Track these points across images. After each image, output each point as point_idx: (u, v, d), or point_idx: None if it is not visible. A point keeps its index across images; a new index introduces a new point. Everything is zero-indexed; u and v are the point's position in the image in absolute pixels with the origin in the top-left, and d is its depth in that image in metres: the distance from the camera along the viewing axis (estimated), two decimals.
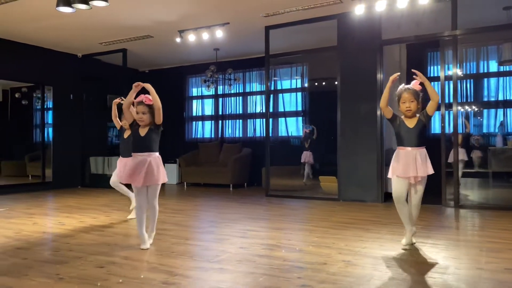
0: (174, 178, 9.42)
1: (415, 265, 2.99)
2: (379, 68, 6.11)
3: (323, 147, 7.73)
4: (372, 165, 6.11)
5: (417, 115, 3.40)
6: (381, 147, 6.11)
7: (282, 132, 8.74)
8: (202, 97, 9.85)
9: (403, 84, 3.47)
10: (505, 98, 6.81)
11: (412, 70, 3.43)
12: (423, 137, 3.38)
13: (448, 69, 5.87)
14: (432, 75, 7.46)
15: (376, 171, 6.09)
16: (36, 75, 8.18)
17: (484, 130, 6.99)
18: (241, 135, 9.34)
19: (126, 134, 4.80)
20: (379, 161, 6.08)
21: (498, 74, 6.81)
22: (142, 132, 3.44)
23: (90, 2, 5.03)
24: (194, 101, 9.99)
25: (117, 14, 6.34)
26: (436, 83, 7.26)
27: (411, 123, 3.37)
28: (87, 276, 2.75)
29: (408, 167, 3.31)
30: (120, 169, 4.83)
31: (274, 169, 7.18)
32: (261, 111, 9.00)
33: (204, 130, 9.81)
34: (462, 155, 6.22)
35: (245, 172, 8.60)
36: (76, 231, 4.26)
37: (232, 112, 9.46)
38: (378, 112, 6.09)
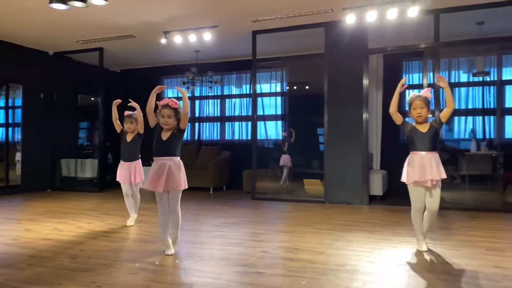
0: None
1: (442, 265, 3.18)
2: (365, 75, 6.37)
3: (305, 150, 7.92)
4: (357, 168, 6.35)
5: (429, 121, 3.58)
6: (367, 151, 6.36)
7: (261, 135, 8.82)
8: (178, 98, 9.66)
9: (414, 92, 3.66)
10: (474, 107, 7.31)
11: (437, 75, 3.58)
12: (436, 142, 3.53)
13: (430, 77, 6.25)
14: (408, 83, 7.84)
15: (361, 174, 6.33)
16: (2, 72, 7.72)
17: (455, 136, 7.47)
18: (219, 138, 9.34)
19: (129, 137, 4.69)
20: (364, 165, 6.33)
21: (468, 84, 7.30)
22: (164, 136, 3.40)
23: (87, 0, 4.91)
24: None
25: (100, 13, 6.15)
26: (417, 90, 7.70)
27: (423, 128, 3.50)
28: (126, 284, 2.69)
29: (424, 171, 3.43)
30: (121, 173, 4.71)
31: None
32: (240, 114, 9.06)
33: None
34: None
35: (225, 175, 8.59)
36: (81, 237, 4.11)
37: (210, 115, 9.43)
38: (364, 117, 6.35)
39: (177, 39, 7.01)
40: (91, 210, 5.82)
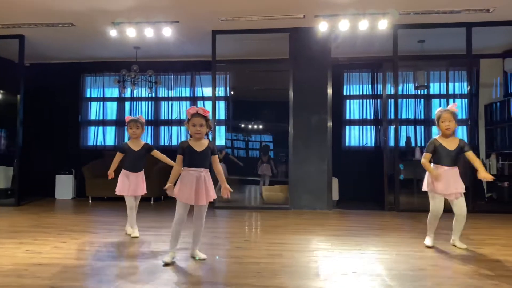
0: (69, 192, 8.11)
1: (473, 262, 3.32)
2: (329, 83, 6.50)
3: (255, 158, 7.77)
4: (322, 174, 6.43)
5: (459, 139, 3.74)
6: (331, 157, 6.48)
7: None
8: (104, 99, 8.75)
9: (441, 107, 3.88)
10: (416, 117, 7.98)
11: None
12: (459, 159, 3.75)
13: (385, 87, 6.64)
14: (348, 93, 8.25)
15: (326, 179, 6.42)
16: None
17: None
18: (152, 143, 8.63)
19: (136, 146, 4.27)
20: (329, 170, 6.44)
21: (415, 96, 7.94)
22: (198, 146, 3.19)
23: None
24: (94, 104, 8.80)
25: None
26: (358, 101, 8.13)
27: (451, 145, 3.70)
28: None
29: (448, 185, 3.65)
30: (125, 185, 4.22)
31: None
32: (177, 118, 8.53)
33: (106, 136, 8.72)
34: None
35: (164, 185, 7.94)
36: (105, 254, 3.36)
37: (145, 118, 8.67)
38: (329, 124, 6.47)
39: (130, 32, 6.31)
40: (35, 226, 4.84)
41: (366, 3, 5.63)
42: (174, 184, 3.18)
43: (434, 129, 7.94)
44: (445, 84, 7.89)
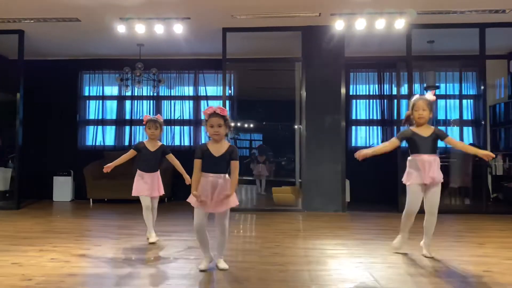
0: (67, 194, 7.81)
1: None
2: (343, 82, 6.40)
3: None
4: (336, 175, 6.32)
5: (433, 127, 3.52)
6: (345, 158, 6.38)
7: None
8: (103, 97, 8.45)
9: (418, 94, 3.70)
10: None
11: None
12: (436, 147, 3.51)
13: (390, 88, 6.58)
14: (354, 93, 8.18)
15: (340, 181, 6.32)
16: None
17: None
18: None
19: (152, 147, 4.08)
20: (343, 171, 6.34)
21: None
22: (217, 151, 2.96)
23: None
24: (92, 102, 8.49)
25: None
26: (364, 101, 8.06)
27: (425, 132, 3.46)
28: None
29: (424, 173, 3.39)
30: (141, 186, 4.04)
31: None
32: (180, 117, 8.31)
33: (105, 136, 8.42)
34: None
35: (168, 186, 7.73)
36: (136, 261, 3.15)
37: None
38: (343, 124, 6.37)
39: (139, 28, 6.08)
40: (46, 232, 4.58)
41: (384, 2, 5.55)
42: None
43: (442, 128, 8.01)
44: (451, 84, 7.91)
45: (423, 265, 3.27)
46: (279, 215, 6.00)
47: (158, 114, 4.07)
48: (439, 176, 3.44)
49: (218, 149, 2.95)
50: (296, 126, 8.06)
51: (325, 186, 6.33)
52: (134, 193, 4.07)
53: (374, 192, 7.29)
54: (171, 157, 4.09)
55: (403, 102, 6.55)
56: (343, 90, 6.41)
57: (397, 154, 6.52)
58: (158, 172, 4.16)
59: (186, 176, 3.96)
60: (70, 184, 7.84)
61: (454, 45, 7.01)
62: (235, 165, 2.98)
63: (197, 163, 2.96)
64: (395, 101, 6.90)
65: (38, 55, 8.07)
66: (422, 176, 3.40)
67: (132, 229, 4.76)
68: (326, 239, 4.32)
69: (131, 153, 4.11)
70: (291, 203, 6.68)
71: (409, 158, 3.55)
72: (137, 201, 4.15)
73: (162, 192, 4.16)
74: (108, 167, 4.02)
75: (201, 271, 3.00)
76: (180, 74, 8.33)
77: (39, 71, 8.07)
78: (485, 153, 3.37)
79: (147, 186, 4.03)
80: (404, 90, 7.93)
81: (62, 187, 7.82)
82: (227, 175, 3.00)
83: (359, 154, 3.43)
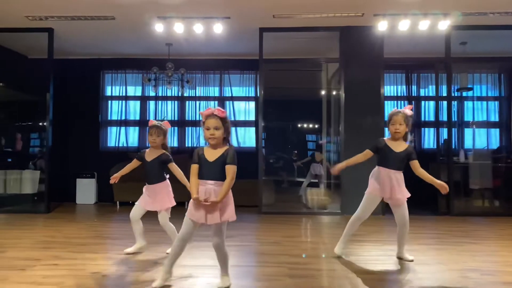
0: (91, 197, 7.61)
1: None
2: (382, 83, 6.34)
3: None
4: None
5: (408, 143, 3.48)
6: None
7: (233, 143, 8.03)
8: (126, 97, 8.26)
9: (396, 108, 3.62)
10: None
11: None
12: (404, 164, 3.45)
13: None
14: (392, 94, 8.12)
15: None
16: None
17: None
18: (176, 145, 8.22)
19: (151, 156, 3.67)
20: None
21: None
22: (211, 155, 2.67)
23: None
24: (115, 102, 8.30)
25: None
26: (392, 102, 8.00)
27: (398, 147, 3.43)
28: None
29: (392, 189, 3.40)
30: (143, 194, 3.76)
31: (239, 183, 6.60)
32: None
33: (128, 137, 8.23)
34: None
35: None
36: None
37: (168, 118, 8.25)
38: (382, 125, 6.31)
39: (178, 27, 5.93)
40: (97, 238, 4.42)
41: (429, 3, 5.49)
42: None
43: (468, 131, 7.99)
44: (478, 86, 7.90)
45: None
46: (317, 218, 5.91)
47: (166, 121, 3.76)
48: (404, 197, 3.42)
49: (213, 154, 2.67)
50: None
51: (364, 188, 6.23)
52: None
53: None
54: (173, 167, 3.63)
55: (443, 103, 6.49)
56: (382, 91, 6.34)
57: (436, 155, 6.50)
58: (163, 184, 3.69)
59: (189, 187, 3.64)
60: (94, 186, 7.65)
61: (484, 47, 6.99)
62: (229, 169, 2.63)
63: (193, 168, 2.68)
64: (433, 102, 6.84)
65: (59, 54, 7.84)
66: (383, 190, 3.42)
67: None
68: (388, 244, 4.23)
69: (134, 162, 3.74)
70: (325, 206, 6.59)
71: (374, 169, 3.54)
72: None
73: (163, 207, 3.68)
74: (115, 178, 3.77)
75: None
76: (205, 74, 8.18)
77: (60, 70, 7.84)
78: (440, 184, 3.29)
79: (147, 198, 3.69)
80: (432, 91, 7.98)
81: (86, 190, 7.63)
82: (222, 184, 2.65)
83: (334, 170, 3.56)
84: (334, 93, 7.26)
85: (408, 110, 3.44)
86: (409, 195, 3.43)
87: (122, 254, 3.69)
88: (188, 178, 2.76)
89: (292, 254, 3.77)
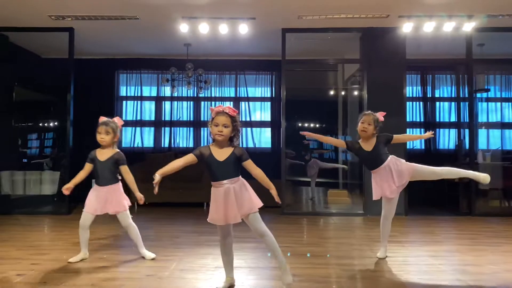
0: None
1: None
2: (405, 84, 6.37)
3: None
4: None
5: (375, 136, 3.58)
6: (407, 160, 6.31)
7: (248, 143, 8.03)
8: (141, 98, 8.21)
9: (370, 111, 3.72)
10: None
11: None
12: (382, 156, 3.55)
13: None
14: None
15: None
16: None
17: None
18: (191, 145, 8.19)
19: (104, 156, 3.52)
20: None
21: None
22: (221, 155, 2.64)
23: None
24: (130, 103, 8.24)
25: None
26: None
27: (368, 146, 3.55)
28: None
29: (384, 186, 3.54)
30: (90, 198, 3.54)
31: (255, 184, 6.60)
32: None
33: (143, 138, 8.19)
34: None
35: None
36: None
37: (183, 118, 8.21)
38: (404, 126, 6.34)
39: (203, 28, 5.90)
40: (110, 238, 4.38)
41: (454, 4, 5.52)
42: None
43: (482, 132, 8.05)
44: (493, 87, 7.96)
45: None
46: (341, 219, 5.91)
47: (117, 117, 3.59)
48: (401, 183, 3.53)
49: (222, 154, 2.64)
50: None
51: None
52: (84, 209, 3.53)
53: (425, 194, 7.25)
54: (124, 169, 3.50)
55: (464, 104, 6.53)
56: (405, 91, 6.37)
57: (457, 156, 6.55)
58: (117, 185, 3.56)
59: (138, 194, 3.47)
60: None
61: (501, 49, 7.05)
62: (250, 164, 2.69)
63: (189, 156, 2.65)
64: (448, 103, 6.89)
65: (75, 54, 7.78)
66: (383, 188, 3.55)
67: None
68: (426, 245, 4.25)
69: (87, 166, 3.53)
70: (346, 207, 6.61)
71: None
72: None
73: (120, 208, 3.52)
74: (68, 189, 3.45)
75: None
76: (221, 75, 8.16)
77: (75, 70, 7.77)
78: (427, 134, 3.80)
79: (96, 202, 3.47)
80: (447, 92, 8.04)
81: None
82: (241, 178, 2.70)
83: (307, 133, 3.69)
84: (355, 93, 7.27)
85: (380, 115, 3.60)
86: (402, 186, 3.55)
87: (163, 256, 3.65)
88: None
89: (337, 255, 3.77)
